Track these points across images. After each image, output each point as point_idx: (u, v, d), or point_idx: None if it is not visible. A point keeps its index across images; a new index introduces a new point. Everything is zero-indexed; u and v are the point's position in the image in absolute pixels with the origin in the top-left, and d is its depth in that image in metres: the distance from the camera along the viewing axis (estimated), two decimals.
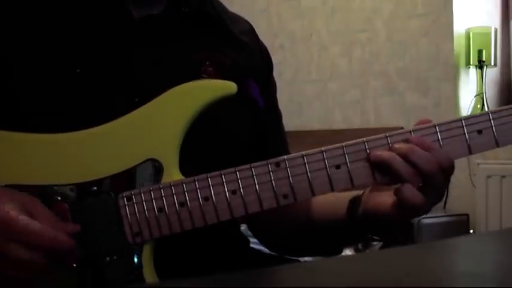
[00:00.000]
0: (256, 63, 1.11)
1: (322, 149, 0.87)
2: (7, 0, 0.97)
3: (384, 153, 0.86)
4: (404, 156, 0.85)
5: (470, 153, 0.87)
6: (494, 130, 0.86)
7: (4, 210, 0.81)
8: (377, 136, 0.87)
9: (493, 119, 0.86)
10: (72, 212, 0.87)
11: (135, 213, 0.87)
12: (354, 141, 0.87)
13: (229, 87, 0.90)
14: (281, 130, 1.18)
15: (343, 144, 0.87)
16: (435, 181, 0.86)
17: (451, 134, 0.87)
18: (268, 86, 1.14)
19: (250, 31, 1.15)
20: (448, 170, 0.87)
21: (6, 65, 0.93)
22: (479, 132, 0.86)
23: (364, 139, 0.87)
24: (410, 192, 0.85)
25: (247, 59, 1.08)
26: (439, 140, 0.86)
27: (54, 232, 0.82)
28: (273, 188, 0.87)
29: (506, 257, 0.60)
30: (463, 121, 0.87)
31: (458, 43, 3.19)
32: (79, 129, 0.89)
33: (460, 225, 3.00)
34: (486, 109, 3.08)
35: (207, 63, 1.01)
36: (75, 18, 0.97)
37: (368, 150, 0.86)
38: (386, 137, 0.87)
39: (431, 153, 0.85)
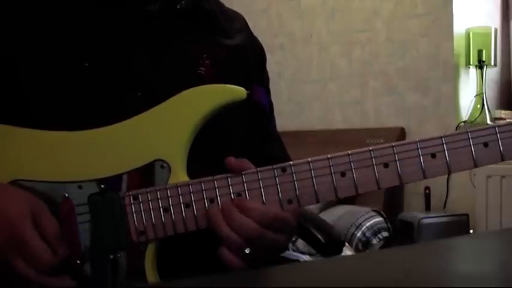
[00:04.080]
0: (251, 59, 1.12)
1: (328, 156, 0.88)
2: None
3: (212, 210, 0.86)
4: (226, 220, 0.86)
5: (476, 166, 0.87)
6: (500, 144, 0.87)
7: (17, 222, 0.83)
8: (383, 145, 0.87)
9: (499, 132, 0.87)
10: (79, 209, 0.87)
11: (141, 212, 0.87)
12: (360, 149, 0.88)
13: (239, 92, 0.91)
14: (273, 125, 1.18)
15: (349, 152, 0.87)
16: (261, 241, 0.86)
17: (456, 146, 0.87)
18: (262, 80, 1.15)
19: (245, 27, 1.16)
20: (275, 225, 0.86)
21: (14, 60, 0.94)
22: (485, 145, 0.87)
23: (370, 148, 0.87)
24: (226, 256, 0.85)
25: (241, 54, 1.09)
26: (444, 152, 0.87)
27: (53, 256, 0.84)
28: (278, 193, 0.87)
29: (506, 256, 0.61)
30: (469, 133, 0.87)
31: (458, 43, 3.19)
32: (86, 122, 0.90)
33: (460, 225, 3.00)
34: (486, 109, 3.08)
35: (204, 56, 1.02)
36: (80, 14, 0.98)
37: (374, 159, 0.87)
38: (392, 147, 0.87)
39: (250, 214, 0.85)
